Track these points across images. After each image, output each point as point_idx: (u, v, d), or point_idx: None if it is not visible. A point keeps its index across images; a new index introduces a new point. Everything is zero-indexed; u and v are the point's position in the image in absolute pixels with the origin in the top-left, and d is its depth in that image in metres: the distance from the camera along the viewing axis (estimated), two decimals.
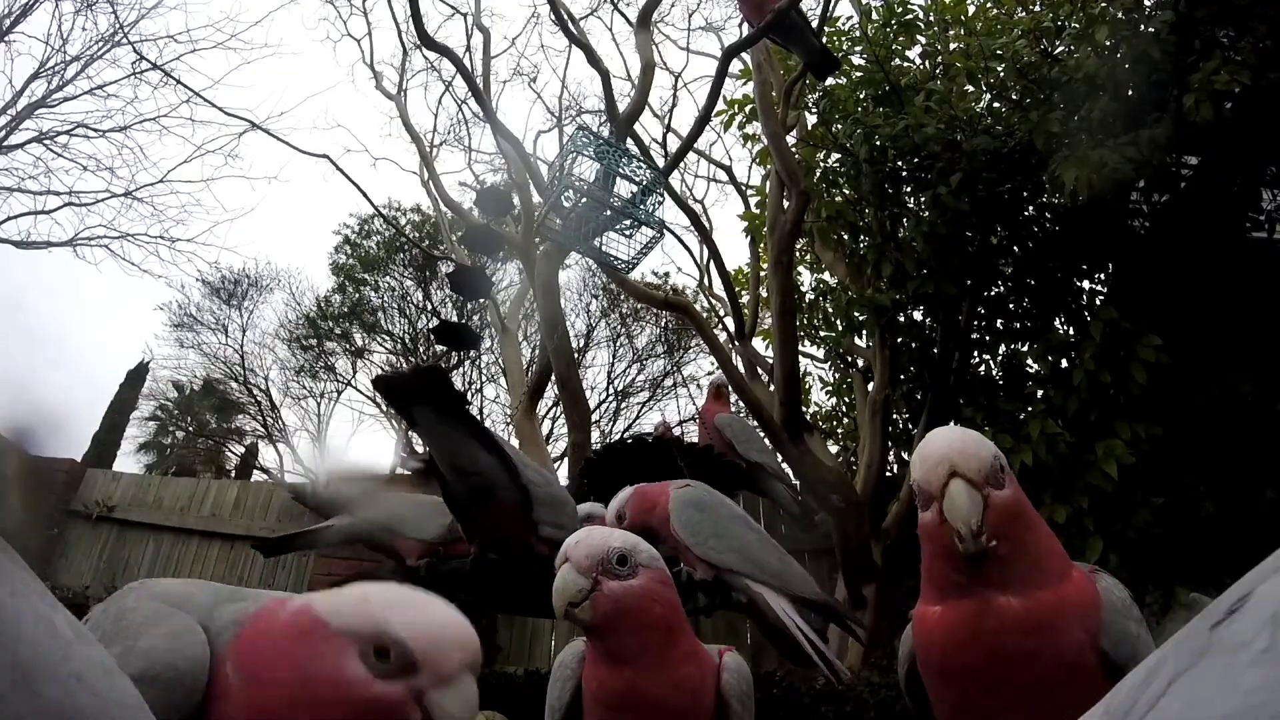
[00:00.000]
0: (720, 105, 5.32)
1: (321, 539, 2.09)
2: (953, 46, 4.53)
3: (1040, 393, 3.55)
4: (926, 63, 4.50)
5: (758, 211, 5.61)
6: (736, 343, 5.56)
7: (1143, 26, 3.37)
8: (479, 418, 1.67)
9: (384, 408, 13.93)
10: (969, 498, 0.99)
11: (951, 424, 4.13)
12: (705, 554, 1.70)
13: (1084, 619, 1.00)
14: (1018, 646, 0.99)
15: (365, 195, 6.78)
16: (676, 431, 2.88)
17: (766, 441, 3.37)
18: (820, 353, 5.50)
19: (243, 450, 15.27)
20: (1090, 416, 3.20)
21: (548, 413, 11.19)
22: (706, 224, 6.73)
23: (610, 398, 13.16)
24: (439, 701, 0.77)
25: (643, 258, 3.11)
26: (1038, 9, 4.23)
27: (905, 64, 4.55)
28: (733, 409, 3.15)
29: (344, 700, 0.75)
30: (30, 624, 0.46)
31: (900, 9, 4.42)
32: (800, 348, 4.78)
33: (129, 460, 14.24)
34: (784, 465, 3.12)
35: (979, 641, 1.00)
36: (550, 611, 1.15)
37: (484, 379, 13.21)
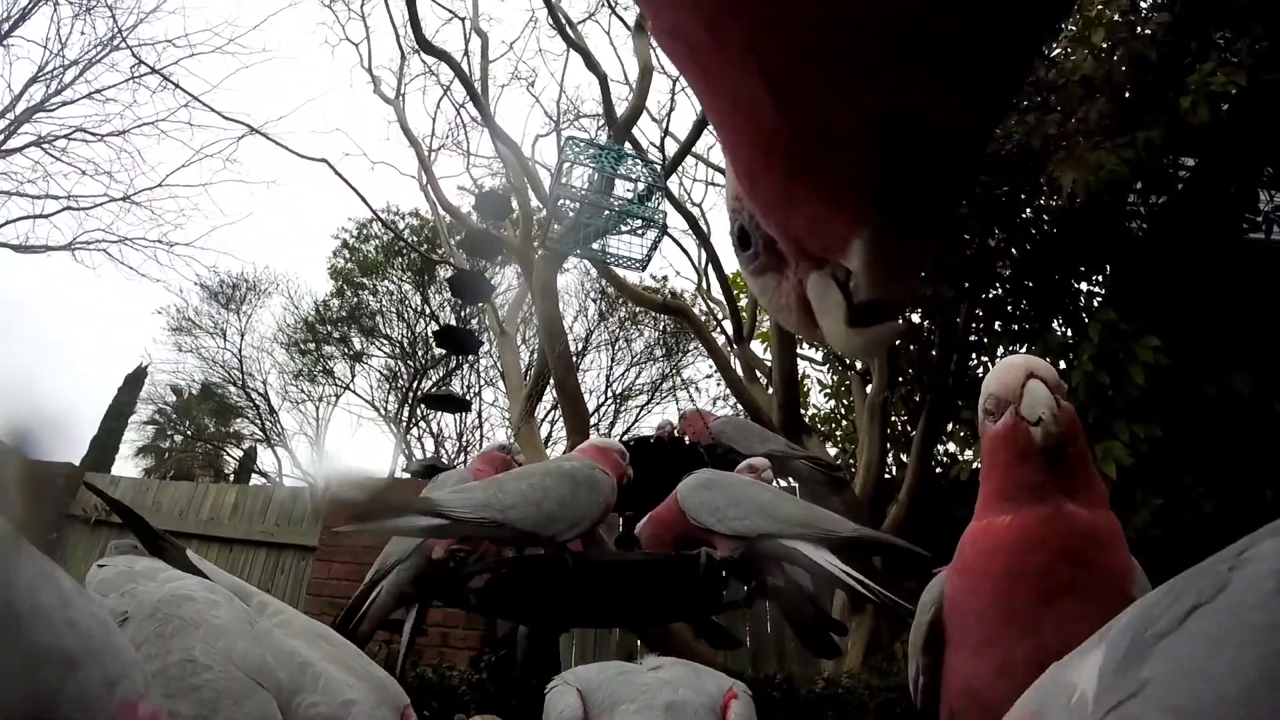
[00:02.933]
0: None
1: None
2: None
3: None
4: None
5: None
6: (735, 345, 5.57)
7: (1139, 29, 3.38)
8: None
9: (384, 411, 13.93)
10: (1046, 391, 1.07)
11: (950, 425, 4.14)
12: (730, 527, 1.68)
13: (1125, 548, 1.08)
14: (1085, 553, 1.04)
15: (364, 199, 6.79)
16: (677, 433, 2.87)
17: (765, 430, 3.35)
18: (818, 355, 5.50)
19: (241, 454, 15.25)
20: (1089, 418, 3.20)
21: (546, 416, 11.19)
22: (705, 227, 6.74)
23: (609, 401, 13.16)
24: None
25: (652, 255, 3.12)
26: None
27: None
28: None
29: None
30: (28, 575, 0.47)
31: None
32: (798, 350, 4.78)
33: (127, 464, 14.23)
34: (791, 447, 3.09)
35: (1053, 542, 1.04)
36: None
37: (483, 383, 13.20)
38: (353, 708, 0.99)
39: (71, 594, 0.50)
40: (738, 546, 1.69)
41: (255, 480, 14.42)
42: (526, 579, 1.80)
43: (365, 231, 13.70)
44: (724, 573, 1.76)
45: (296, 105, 23.73)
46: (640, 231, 3.07)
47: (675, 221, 6.61)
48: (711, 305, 7.88)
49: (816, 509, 1.76)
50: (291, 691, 0.96)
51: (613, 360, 13.22)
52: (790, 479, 3.03)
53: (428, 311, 13.56)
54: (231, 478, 14.42)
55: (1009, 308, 4.03)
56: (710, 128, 5.91)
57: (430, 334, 11.98)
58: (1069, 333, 3.78)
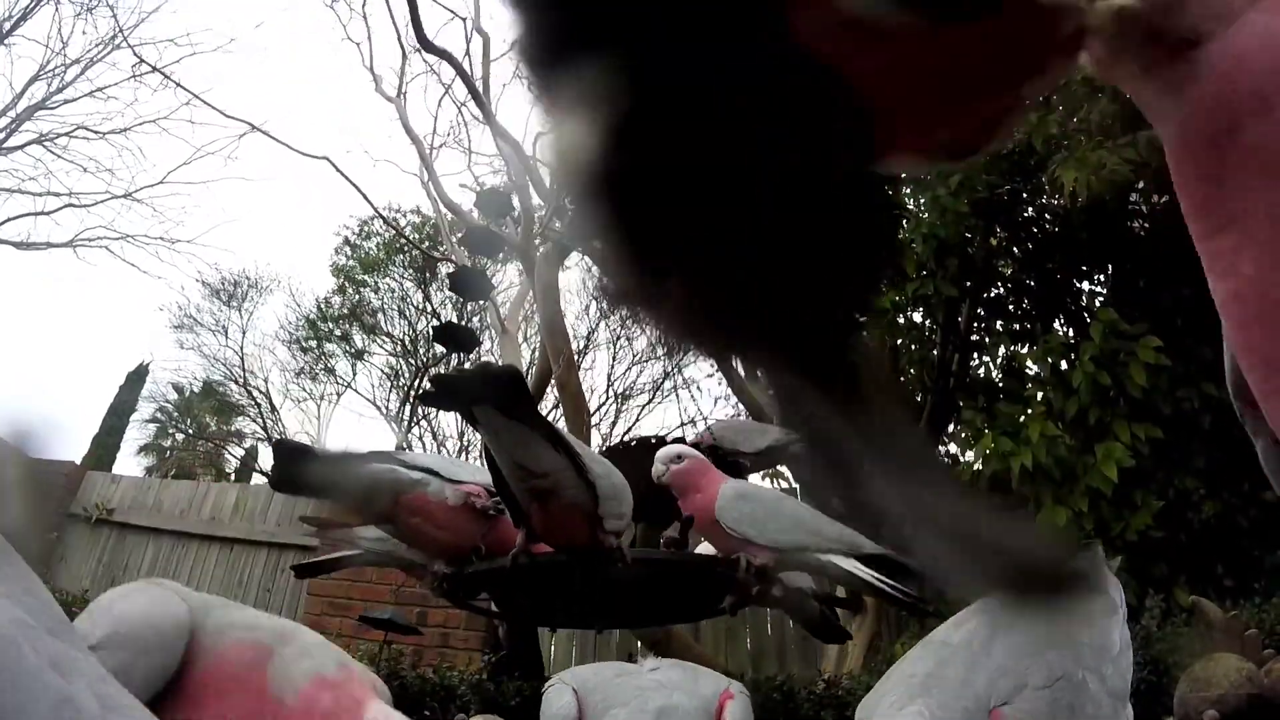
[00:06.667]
0: None
1: (355, 561, 2.04)
2: None
3: (1040, 395, 3.54)
4: None
5: None
6: None
7: None
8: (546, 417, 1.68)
9: (386, 410, 13.94)
10: None
11: (951, 426, 4.13)
12: (772, 539, 1.71)
13: None
14: None
15: (365, 197, 6.78)
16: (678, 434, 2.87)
17: (760, 424, 3.34)
18: None
19: (243, 453, 15.26)
20: (1090, 419, 3.20)
21: (548, 414, 11.19)
22: None
23: (610, 400, 13.16)
24: None
25: None
26: None
27: None
28: None
29: None
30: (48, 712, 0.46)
31: None
32: None
33: (129, 463, 14.24)
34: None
35: None
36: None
37: None
38: None
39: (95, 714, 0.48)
40: (771, 557, 1.72)
41: (257, 479, 14.42)
42: (567, 579, 1.79)
43: (367, 229, 13.70)
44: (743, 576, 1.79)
45: (298, 104, 23.72)
46: None
47: None
48: None
49: (844, 526, 1.79)
50: (206, 605, 0.92)
51: (614, 359, 13.22)
52: (789, 467, 3.02)
53: (429, 309, 13.56)
54: (233, 477, 14.43)
55: (1011, 307, 4.03)
56: None
57: (430, 329, 11.98)
58: (1070, 332, 3.78)
